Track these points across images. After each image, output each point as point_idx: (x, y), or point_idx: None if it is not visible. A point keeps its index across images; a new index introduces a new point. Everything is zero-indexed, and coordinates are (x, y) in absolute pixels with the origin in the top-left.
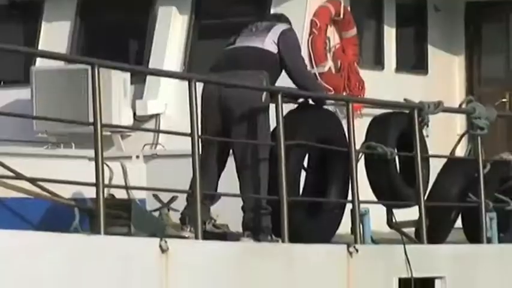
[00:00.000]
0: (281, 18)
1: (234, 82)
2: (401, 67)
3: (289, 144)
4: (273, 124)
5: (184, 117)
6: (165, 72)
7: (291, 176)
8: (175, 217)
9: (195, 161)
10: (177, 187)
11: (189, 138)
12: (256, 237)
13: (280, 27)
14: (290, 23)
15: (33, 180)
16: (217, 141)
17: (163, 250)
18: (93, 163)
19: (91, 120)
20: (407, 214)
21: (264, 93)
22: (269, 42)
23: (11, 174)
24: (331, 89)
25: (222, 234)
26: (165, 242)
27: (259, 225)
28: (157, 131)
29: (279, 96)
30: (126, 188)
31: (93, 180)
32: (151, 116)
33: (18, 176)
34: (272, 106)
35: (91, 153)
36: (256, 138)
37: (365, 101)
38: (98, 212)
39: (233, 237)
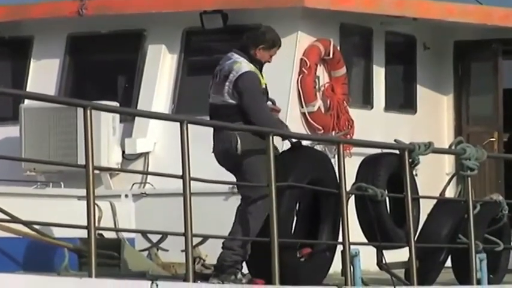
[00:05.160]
0: (255, 38)
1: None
2: (390, 106)
3: (281, 185)
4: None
5: (173, 155)
6: (158, 114)
7: (283, 218)
8: (164, 257)
9: (186, 203)
10: (166, 226)
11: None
12: (220, 276)
13: (236, 72)
14: (264, 35)
15: (28, 224)
16: None
17: None
18: (81, 202)
19: (80, 158)
20: (397, 255)
21: (239, 144)
22: (228, 93)
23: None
24: (320, 128)
25: (210, 275)
26: (156, 285)
27: (226, 264)
28: (149, 173)
29: (270, 138)
30: (117, 230)
31: (83, 219)
32: (140, 155)
33: (13, 219)
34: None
35: (80, 192)
36: (246, 185)
37: (356, 143)
38: (89, 256)
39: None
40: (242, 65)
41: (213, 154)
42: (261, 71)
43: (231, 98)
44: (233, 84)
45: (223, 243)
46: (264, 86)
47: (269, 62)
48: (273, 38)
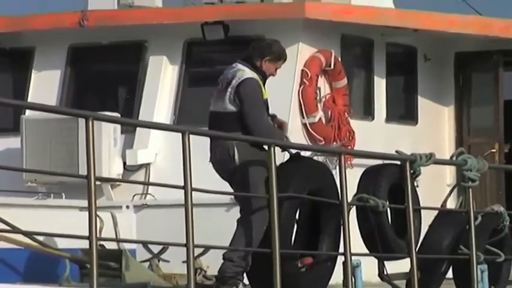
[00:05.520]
0: (259, 49)
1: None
2: (391, 117)
3: (281, 196)
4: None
5: (175, 166)
6: (159, 125)
7: (283, 228)
8: (165, 268)
9: (188, 213)
10: (167, 237)
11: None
12: (221, 287)
13: (238, 78)
14: (270, 47)
15: (29, 234)
16: None
17: None
18: (83, 213)
19: (81, 169)
20: (399, 266)
21: (236, 154)
22: (229, 99)
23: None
24: (322, 139)
25: (212, 286)
26: None
27: (227, 275)
28: (150, 183)
29: (272, 149)
30: (118, 240)
31: (84, 230)
32: (141, 166)
33: (15, 230)
34: None
35: (81, 203)
36: (243, 195)
37: (357, 153)
38: (91, 267)
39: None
40: (245, 72)
41: (211, 163)
42: (264, 83)
43: (232, 104)
44: (235, 90)
45: (223, 254)
46: (265, 98)
47: (273, 75)
48: (279, 51)
